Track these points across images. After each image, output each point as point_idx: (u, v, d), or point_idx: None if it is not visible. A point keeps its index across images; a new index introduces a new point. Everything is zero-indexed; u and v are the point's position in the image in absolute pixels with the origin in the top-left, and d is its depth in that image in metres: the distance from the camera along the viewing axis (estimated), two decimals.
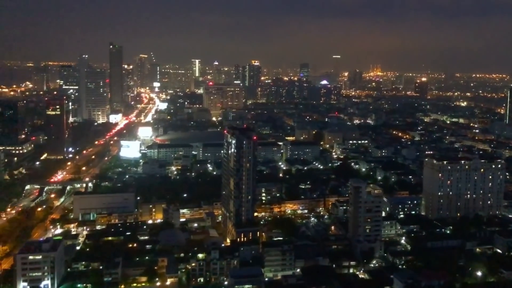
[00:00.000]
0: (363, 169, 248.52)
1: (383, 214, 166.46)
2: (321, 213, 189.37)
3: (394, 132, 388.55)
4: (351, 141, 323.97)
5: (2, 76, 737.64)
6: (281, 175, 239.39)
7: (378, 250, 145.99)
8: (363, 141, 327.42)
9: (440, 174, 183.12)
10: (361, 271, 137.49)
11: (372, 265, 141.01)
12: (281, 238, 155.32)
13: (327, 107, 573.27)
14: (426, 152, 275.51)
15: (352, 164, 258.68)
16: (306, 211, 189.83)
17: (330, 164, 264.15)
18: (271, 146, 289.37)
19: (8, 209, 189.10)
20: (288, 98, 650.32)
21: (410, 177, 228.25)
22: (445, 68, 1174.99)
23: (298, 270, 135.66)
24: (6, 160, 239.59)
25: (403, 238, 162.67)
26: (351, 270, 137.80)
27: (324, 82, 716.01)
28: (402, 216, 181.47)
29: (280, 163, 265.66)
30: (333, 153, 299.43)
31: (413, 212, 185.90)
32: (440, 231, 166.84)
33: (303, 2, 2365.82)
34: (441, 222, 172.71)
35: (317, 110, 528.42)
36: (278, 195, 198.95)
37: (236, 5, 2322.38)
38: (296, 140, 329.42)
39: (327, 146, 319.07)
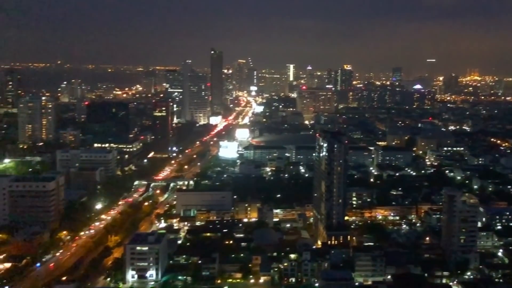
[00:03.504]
0: (458, 177, 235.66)
1: (479, 224, 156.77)
2: (413, 220, 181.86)
3: (492, 139, 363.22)
4: (445, 148, 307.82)
5: (117, 80, 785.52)
6: (372, 180, 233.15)
7: (473, 261, 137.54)
8: (458, 148, 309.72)
9: None
10: (455, 282, 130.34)
11: (466, 276, 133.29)
12: (372, 244, 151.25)
13: (421, 112, 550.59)
14: None
15: (447, 171, 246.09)
16: (397, 217, 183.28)
17: (423, 171, 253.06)
18: (362, 150, 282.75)
19: (120, 203, 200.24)
20: (380, 103, 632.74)
21: (509, 187, 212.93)
22: None
23: (389, 277, 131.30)
24: (118, 157, 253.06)
25: (501, 250, 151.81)
26: (444, 281, 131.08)
27: (418, 86, 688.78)
28: (499, 227, 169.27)
29: (371, 168, 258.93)
30: (426, 160, 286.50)
31: None
32: None
33: (397, 4, 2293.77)
34: None
35: (409, 115, 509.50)
36: (369, 200, 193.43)
37: (330, 10, 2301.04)
38: (388, 145, 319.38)
39: (420, 152, 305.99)
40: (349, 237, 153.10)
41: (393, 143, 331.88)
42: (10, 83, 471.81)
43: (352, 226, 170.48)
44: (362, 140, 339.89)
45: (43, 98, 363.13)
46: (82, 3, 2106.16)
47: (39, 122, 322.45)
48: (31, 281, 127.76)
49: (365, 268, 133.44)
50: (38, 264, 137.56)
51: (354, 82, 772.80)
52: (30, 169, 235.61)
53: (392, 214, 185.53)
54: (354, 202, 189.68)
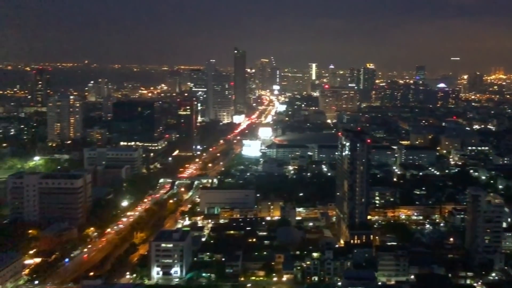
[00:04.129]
0: (483, 177, 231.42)
1: (504, 225, 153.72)
2: (437, 220, 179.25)
3: None
4: (470, 147, 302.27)
5: (142, 79, 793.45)
6: (395, 179, 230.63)
7: (498, 262, 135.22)
8: (483, 148, 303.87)
9: None
10: (479, 283, 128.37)
11: (491, 277, 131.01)
12: (395, 243, 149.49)
13: (445, 111, 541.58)
14: None
15: (471, 171, 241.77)
16: (421, 217, 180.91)
17: (447, 171, 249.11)
18: (385, 149, 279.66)
19: (145, 200, 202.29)
20: (403, 102, 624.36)
21: None
22: None
23: (412, 276, 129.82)
24: (144, 155, 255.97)
25: None
26: (467, 281, 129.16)
27: (442, 85, 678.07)
28: None
29: (394, 168, 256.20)
30: (450, 159, 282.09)
31: None
32: None
33: (421, 1, 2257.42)
34: None
35: (433, 114, 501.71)
36: (392, 199, 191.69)
37: (353, 8, 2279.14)
38: (411, 145, 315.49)
39: (444, 151, 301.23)
40: (372, 236, 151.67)
41: (417, 142, 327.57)
42: (40, 82, 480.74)
43: (375, 226, 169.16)
44: (385, 139, 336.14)
45: (71, 97, 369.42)
46: (109, 5, 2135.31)
47: (67, 120, 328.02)
48: (60, 276, 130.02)
49: (388, 267, 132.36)
50: (66, 260, 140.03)
51: (377, 81, 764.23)
52: (59, 167, 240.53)
53: (415, 213, 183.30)
54: (377, 202, 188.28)
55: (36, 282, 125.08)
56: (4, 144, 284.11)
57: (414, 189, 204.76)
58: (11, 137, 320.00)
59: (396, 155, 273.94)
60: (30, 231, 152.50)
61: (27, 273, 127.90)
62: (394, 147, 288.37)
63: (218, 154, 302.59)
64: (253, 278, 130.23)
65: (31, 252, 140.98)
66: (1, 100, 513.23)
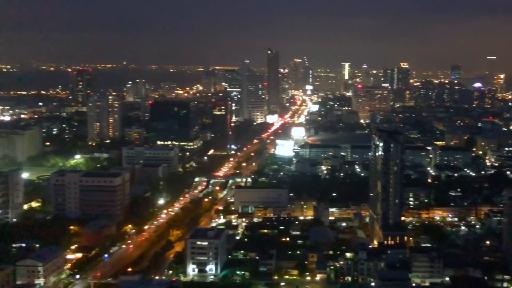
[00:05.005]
0: None
1: None
2: (472, 222, 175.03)
3: None
4: (507, 148, 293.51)
5: (178, 79, 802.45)
6: (429, 180, 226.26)
7: None
8: None
9: None
10: None
11: None
12: (429, 245, 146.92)
13: (480, 111, 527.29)
14: None
15: (508, 172, 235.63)
16: (456, 219, 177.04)
17: (482, 172, 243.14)
18: (419, 150, 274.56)
19: (181, 198, 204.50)
20: (437, 101, 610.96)
21: None
22: None
23: (447, 278, 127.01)
24: (180, 154, 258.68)
25: None
26: (504, 285, 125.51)
27: (478, 84, 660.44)
28: None
29: (428, 168, 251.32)
30: (487, 160, 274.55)
31: None
32: None
33: (455, 0, 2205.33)
34: None
35: (469, 114, 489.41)
36: (426, 200, 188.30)
37: (386, 7, 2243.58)
38: (446, 145, 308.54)
39: (480, 152, 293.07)
40: (405, 237, 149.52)
41: (452, 143, 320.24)
42: (81, 83, 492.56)
43: (409, 227, 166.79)
44: (419, 140, 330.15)
45: (110, 97, 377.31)
46: (146, 7, 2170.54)
47: (106, 120, 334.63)
48: (100, 271, 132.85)
49: (423, 269, 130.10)
50: (106, 255, 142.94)
51: (411, 81, 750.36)
52: (98, 165, 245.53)
53: (450, 215, 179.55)
54: (411, 203, 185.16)
55: (77, 276, 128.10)
56: (47, 143, 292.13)
57: (449, 191, 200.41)
58: (53, 136, 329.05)
59: (430, 156, 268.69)
60: (71, 227, 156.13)
61: (69, 268, 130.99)
62: (429, 147, 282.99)
63: (252, 154, 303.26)
64: (287, 277, 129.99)
65: (72, 247, 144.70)
66: (44, 100, 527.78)
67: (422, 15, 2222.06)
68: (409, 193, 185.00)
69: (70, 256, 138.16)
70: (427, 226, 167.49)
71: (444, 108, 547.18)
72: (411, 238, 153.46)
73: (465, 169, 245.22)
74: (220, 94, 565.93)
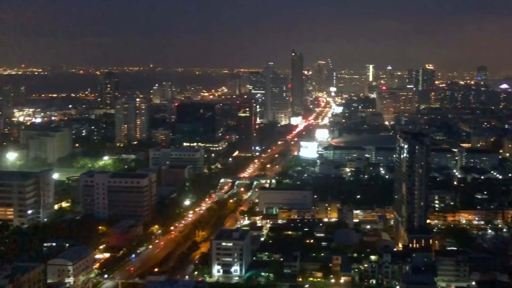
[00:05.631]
0: None
1: None
2: (499, 225, 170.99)
3: None
4: None
5: (204, 82, 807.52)
6: (455, 183, 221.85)
7: None
8: None
9: None
10: None
11: None
12: (455, 248, 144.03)
13: (508, 112, 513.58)
14: None
15: None
16: (482, 222, 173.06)
17: (510, 174, 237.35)
18: (444, 152, 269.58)
19: (206, 199, 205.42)
20: (463, 103, 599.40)
21: None
22: None
23: (473, 283, 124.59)
24: (205, 156, 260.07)
25: None
26: None
27: (505, 86, 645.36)
28: None
29: (454, 171, 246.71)
30: None
31: None
32: None
33: (481, 0, 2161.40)
34: None
35: (495, 116, 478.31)
36: (452, 203, 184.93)
37: (410, 7, 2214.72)
38: (472, 147, 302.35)
39: (507, 154, 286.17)
40: (431, 240, 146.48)
41: (478, 145, 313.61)
42: (109, 86, 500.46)
43: (434, 230, 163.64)
44: (444, 142, 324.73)
45: (137, 99, 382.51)
46: (172, 11, 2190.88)
47: (134, 122, 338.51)
48: (127, 271, 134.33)
49: (448, 272, 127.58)
50: (133, 256, 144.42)
51: (437, 82, 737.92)
52: (126, 166, 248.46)
53: (476, 218, 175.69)
54: (436, 205, 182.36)
55: (106, 276, 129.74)
56: (77, 145, 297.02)
57: (475, 193, 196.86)
58: (82, 137, 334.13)
59: (456, 158, 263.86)
60: (100, 227, 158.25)
61: (98, 267, 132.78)
62: (455, 149, 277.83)
63: (276, 155, 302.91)
64: (311, 279, 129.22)
65: (101, 247, 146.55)
66: (73, 102, 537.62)
67: (447, 16, 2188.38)
68: (434, 196, 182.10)
69: (98, 256, 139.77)
70: (453, 229, 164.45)
71: (470, 110, 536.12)
72: (436, 241, 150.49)
73: (492, 172, 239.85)
74: (245, 96, 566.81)
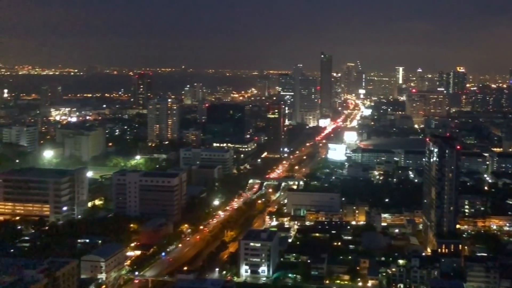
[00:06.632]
0: None
1: None
2: None
3: None
4: None
5: (234, 83, 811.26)
6: (486, 188, 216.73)
7: None
8: None
9: None
10: None
11: None
12: (485, 254, 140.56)
13: None
14: None
15: None
16: None
17: None
18: (475, 157, 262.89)
19: (235, 199, 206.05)
20: (495, 106, 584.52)
21: None
22: None
23: None
24: (234, 156, 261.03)
25: None
26: None
27: None
28: None
29: (485, 176, 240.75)
30: None
31: None
32: None
33: None
34: None
35: None
36: (482, 208, 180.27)
37: (442, 9, 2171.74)
38: (504, 152, 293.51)
39: None
40: (460, 246, 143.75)
41: (510, 149, 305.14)
42: (141, 86, 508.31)
43: (464, 235, 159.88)
44: (475, 146, 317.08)
45: (169, 100, 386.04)
46: (204, 14, 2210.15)
47: (165, 122, 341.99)
48: (157, 268, 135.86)
49: (478, 279, 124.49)
50: (163, 254, 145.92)
51: (468, 85, 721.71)
52: (157, 166, 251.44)
53: (507, 224, 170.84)
54: (466, 210, 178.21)
55: (136, 273, 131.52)
56: (110, 144, 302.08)
57: (506, 199, 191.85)
58: (115, 137, 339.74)
59: (487, 162, 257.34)
60: (131, 225, 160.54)
61: (129, 264, 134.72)
62: (486, 154, 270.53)
63: (305, 157, 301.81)
64: (338, 281, 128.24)
65: (132, 244, 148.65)
66: (107, 102, 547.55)
67: (479, 18, 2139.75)
68: (464, 201, 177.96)
69: (129, 253, 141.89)
70: (483, 235, 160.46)
71: (502, 114, 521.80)
72: (466, 247, 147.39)
73: None
74: (274, 98, 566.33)
